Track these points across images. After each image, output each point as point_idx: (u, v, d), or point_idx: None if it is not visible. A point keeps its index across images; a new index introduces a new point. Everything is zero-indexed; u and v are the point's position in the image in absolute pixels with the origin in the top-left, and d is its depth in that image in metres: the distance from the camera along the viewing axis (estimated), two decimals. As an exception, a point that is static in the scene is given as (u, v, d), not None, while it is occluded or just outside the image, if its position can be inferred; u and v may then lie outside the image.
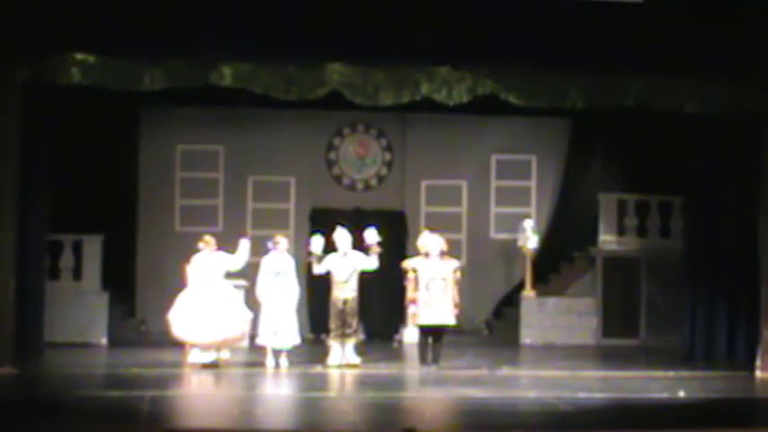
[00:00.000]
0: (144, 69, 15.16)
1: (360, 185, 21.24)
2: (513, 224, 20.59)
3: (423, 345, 16.31)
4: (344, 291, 16.38)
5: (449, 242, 16.67)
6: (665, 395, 14.35)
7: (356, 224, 17.60)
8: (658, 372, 16.29)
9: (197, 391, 14.93)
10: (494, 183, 21.36)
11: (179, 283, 16.38)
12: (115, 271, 19.47)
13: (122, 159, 20.20)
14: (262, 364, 16.20)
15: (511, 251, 20.74)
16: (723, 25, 15.44)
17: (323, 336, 17.53)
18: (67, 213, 18.25)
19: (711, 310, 17.35)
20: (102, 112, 19.12)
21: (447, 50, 15.34)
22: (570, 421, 12.75)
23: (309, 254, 16.58)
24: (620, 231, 20.46)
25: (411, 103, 16.09)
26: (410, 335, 18.89)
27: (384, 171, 21.30)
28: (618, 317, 20.18)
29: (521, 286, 20.52)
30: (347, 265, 16.43)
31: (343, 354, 16.38)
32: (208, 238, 16.39)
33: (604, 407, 13.71)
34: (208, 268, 16.16)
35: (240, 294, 17.03)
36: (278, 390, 15.21)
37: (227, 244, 16.51)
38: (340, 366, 16.26)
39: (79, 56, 15.05)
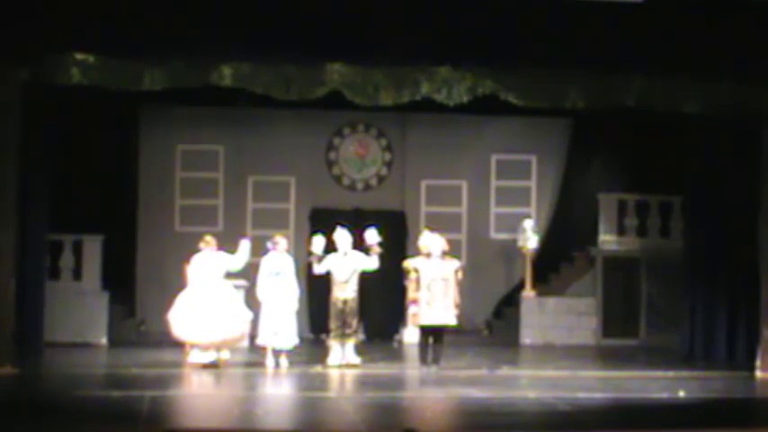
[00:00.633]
0: (144, 69, 15.15)
1: (360, 185, 21.24)
2: (513, 224, 20.60)
3: (423, 345, 16.30)
4: (344, 291, 16.38)
5: (449, 242, 16.66)
6: (665, 395, 14.35)
7: (356, 224, 17.64)
8: (658, 372, 16.29)
9: (197, 391, 14.93)
10: (494, 183, 21.37)
11: (179, 283, 16.38)
12: (115, 271, 19.48)
13: (122, 159, 20.22)
14: (262, 364, 16.20)
15: (511, 251, 20.74)
16: (723, 25, 15.44)
17: (323, 336, 17.54)
18: (67, 213, 18.27)
19: (711, 310, 17.36)
20: (102, 112, 19.13)
21: (447, 50, 15.33)
22: (570, 421, 12.75)
23: (309, 254, 16.59)
24: (620, 231, 20.47)
25: (411, 103, 16.08)
26: (410, 335, 18.90)
27: (384, 171, 21.30)
28: (618, 317, 20.19)
29: (521, 286, 20.53)
30: (347, 265, 16.43)
31: (343, 354, 16.39)
32: (208, 237, 16.40)
33: (604, 407, 13.71)
34: (208, 268, 16.16)
35: (240, 294, 17.03)
36: (278, 390, 15.20)
37: (228, 244, 16.51)
38: (340, 366, 16.26)
39: (79, 56, 15.04)
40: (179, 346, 16.37)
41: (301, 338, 16.92)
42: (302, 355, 16.77)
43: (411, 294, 16.34)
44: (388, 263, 16.96)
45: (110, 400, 13.57)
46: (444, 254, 16.28)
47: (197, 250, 16.28)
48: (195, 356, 16.01)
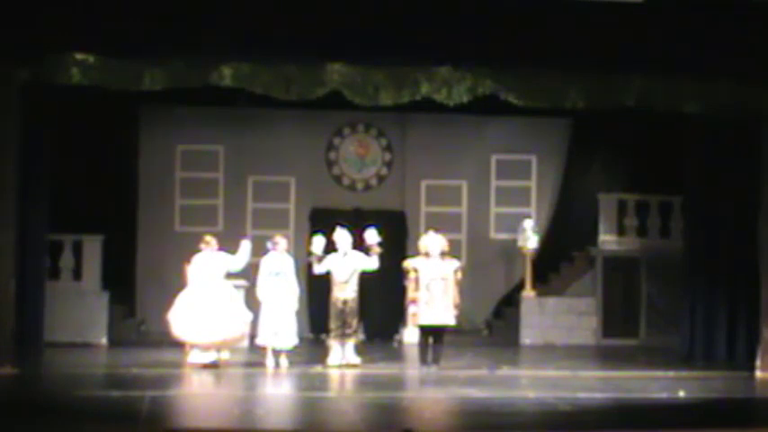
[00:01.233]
0: (144, 69, 15.15)
1: (360, 185, 21.24)
2: (513, 224, 20.59)
3: (423, 345, 16.31)
4: (344, 291, 16.39)
5: (449, 242, 16.65)
6: (665, 395, 14.36)
7: (356, 224, 17.63)
8: (658, 372, 16.29)
9: (197, 391, 14.93)
10: (494, 183, 21.37)
11: (179, 283, 16.38)
12: (115, 271, 19.47)
13: (122, 159, 20.22)
14: (262, 364, 16.20)
15: (511, 251, 20.74)
16: (723, 25, 15.44)
17: (323, 336, 17.54)
18: (67, 213, 18.26)
19: (711, 310, 17.35)
20: (102, 112, 19.12)
21: (447, 50, 15.32)
22: (570, 421, 12.75)
23: (309, 254, 16.59)
24: (620, 231, 20.46)
25: (411, 103, 16.07)
26: (410, 335, 18.90)
27: (384, 171, 21.30)
28: (618, 317, 20.19)
29: (521, 286, 20.52)
30: (347, 265, 16.43)
31: (343, 354, 16.39)
32: (209, 238, 16.40)
33: (604, 407, 13.71)
34: (208, 268, 16.16)
35: (240, 294, 17.03)
36: (278, 390, 15.20)
37: (228, 244, 16.51)
38: (340, 366, 16.26)
39: (79, 56, 15.03)
40: (179, 346, 16.37)
41: (301, 338, 16.92)
42: (302, 355, 16.78)
43: (410, 294, 16.35)
44: (388, 263, 16.96)
45: (110, 400, 13.58)
46: (443, 254, 16.28)
47: (197, 250, 16.29)
48: (195, 356, 16.01)
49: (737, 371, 16.43)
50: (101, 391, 14.33)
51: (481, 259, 20.92)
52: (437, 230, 16.71)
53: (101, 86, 15.29)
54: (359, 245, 16.61)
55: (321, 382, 15.48)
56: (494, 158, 21.35)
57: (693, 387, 14.87)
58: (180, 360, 16.23)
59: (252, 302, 16.62)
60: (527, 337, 20.08)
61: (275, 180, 20.93)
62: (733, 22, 15.43)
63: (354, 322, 16.50)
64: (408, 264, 16.44)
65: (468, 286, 18.37)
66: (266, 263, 16.37)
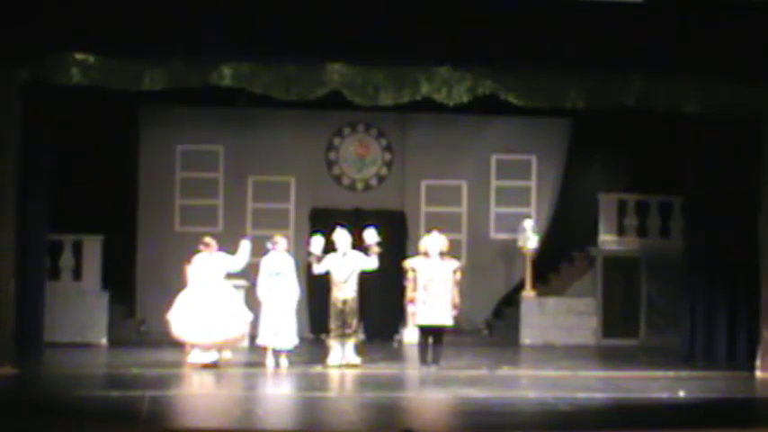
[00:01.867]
0: (144, 69, 15.15)
1: (360, 185, 21.24)
2: (513, 224, 20.59)
3: (423, 345, 16.31)
4: (344, 291, 16.39)
5: (449, 242, 16.64)
6: (665, 395, 14.36)
7: (356, 224, 17.62)
8: (658, 372, 16.29)
9: (197, 391, 14.92)
10: (494, 183, 21.37)
11: (179, 283, 16.38)
12: (115, 271, 19.48)
13: (122, 159, 20.22)
14: (262, 364, 16.20)
15: (511, 251, 20.74)
16: (723, 25, 15.44)
17: (323, 336, 17.54)
18: (67, 213, 18.25)
19: (711, 310, 17.35)
20: (102, 112, 19.12)
21: (447, 50, 15.32)
22: (570, 421, 12.75)
23: (309, 254, 16.59)
24: (620, 231, 20.47)
25: (411, 103, 16.07)
26: (410, 335, 18.91)
27: (384, 171, 21.30)
28: (618, 317, 20.19)
29: (521, 286, 20.52)
30: (346, 265, 16.43)
31: (343, 354, 16.39)
32: (208, 239, 16.38)
33: (604, 407, 13.71)
34: (208, 268, 16.16)
35: (240, 294, 17.03)
36: (278, 390, 15.20)
37: (228, 244, 16.51)
38: (340, 366, 16.26)
39: (79, 56, 15.03)
40: (179, 346, 16.38)
41: (301, 338, 16.93)
42: (302, 355, 16.78)
43: (409, 294, 16.36)
44: (388, 263, 16.97)
45: (110, 400, 13.58)
46: (442, 254, 16.28)
47: (197, 250, 16.29)
48: (195, 356, 16.01)
49: (737, 371, 16.43)
50: (101, 391, 14.34)
51: (481, 259, 20.92)
52: (440, 230, 16.68)
53: (101, 86, 15.29)
54: (359, 245, 16.61)
55: (321, 382, 15.48)
56: (494, 158, 21.36)
57: (693, 387, 14.87)
58: (180, 360, 16.24)
59: (252, 302, 16.63)
60: (527, 337, 20.08)
61: (275, 180, 20.93)
62: (733, 22, 15.43)
63: (354, 322, 16.50)
64: (407, 263, 16.45)
65: (468, 286, 18.39)
66: (266, 263, 16.37)
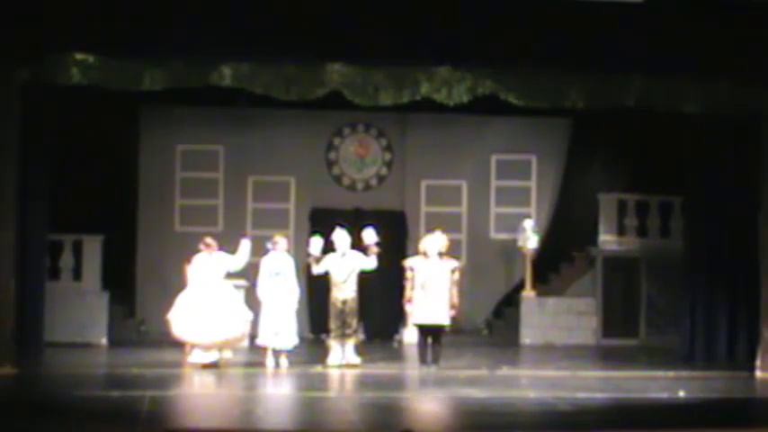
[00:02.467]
0: (144, 69, 15.16)
1: (360, 185, 21.24)
2: (513, 224, 20.59)
3: (422, 345, 16.31)
4: (343, 291, 16.39)
5: (449, 242, 16.63)
6: (665, 395, 14.35)
7: (356, 224, 17.61)
8: (658, 372, 16.29)
9: (197, 391, 14.92)
10: (494, 183, 21.37)
11: (179, 283, 16.38)
12: (115, 271, 19.48)
13: (122, 159, 20.22)
14: (262, 364, 16.20)
15: (511, 251, 20.74)
16: (723, 25, 15.44)
17: (323, 336, 17.54)
18: (67, 213, 18.24)
19: (711, 310, 17.35)
20: (102, 112, 19.13)
21: (447, 50, 15.33)
22: (570, 421, 12.75)
23: (308, 255, 16.59)
24: (620, 231, 20.47)
25: (411, 103, 16.07)
26: (410, 335, 18.87)
27: (384, 171, 21.30)
28: (618, 317, 20.19)
29: (521, 286, 20.52)
30: (346, 265, 16.43)
31: (343, 354, 16.39)
32: (209, 240, 16.37)
33: (604, 407, 13.71)
34: (208, 268, 16.16)
35: (240, 294, 17.02)
36: (278, 390, 15.20)
37: (228, 244, 16.51)
38: (340, 366, 16.26)
39: (79, 56, 15.04)
40: (179, 346, 16.38)
41: (301, 338, 16.93)
42: (302, 355, 16.78)
43: (407, 293, 16.36)
44: (387, 263, 16.96)
45: (110, 400, 13.57)
46: (442, 254, 16.27)
47: (197, 250, 16.28)
48: (196, 356, 16.01)
49: (737, 371, 16.43)
50: (101, 391, 14.34)
51: (481, 259, 20.92)
52: (443, 230, 16.67)
53: (101, 86, 15.30)
54: (359, 245, 16.61)
55: (321, 382, 15.47)
56: (494, 158, 21.36)
57: (693, 387, 14.87)
58: (180, 360, 16.24)
59: (252, 302, 16.62)
60: (527, 337, 20.07)
61: (275, 180, 20.93)
62: (733, 22, 15.43)
63: (354, 322, 16.50)
64: (406, 263, 16.45)
65: (468, 286, 18.40)
66: (266, 263, 16.37)
